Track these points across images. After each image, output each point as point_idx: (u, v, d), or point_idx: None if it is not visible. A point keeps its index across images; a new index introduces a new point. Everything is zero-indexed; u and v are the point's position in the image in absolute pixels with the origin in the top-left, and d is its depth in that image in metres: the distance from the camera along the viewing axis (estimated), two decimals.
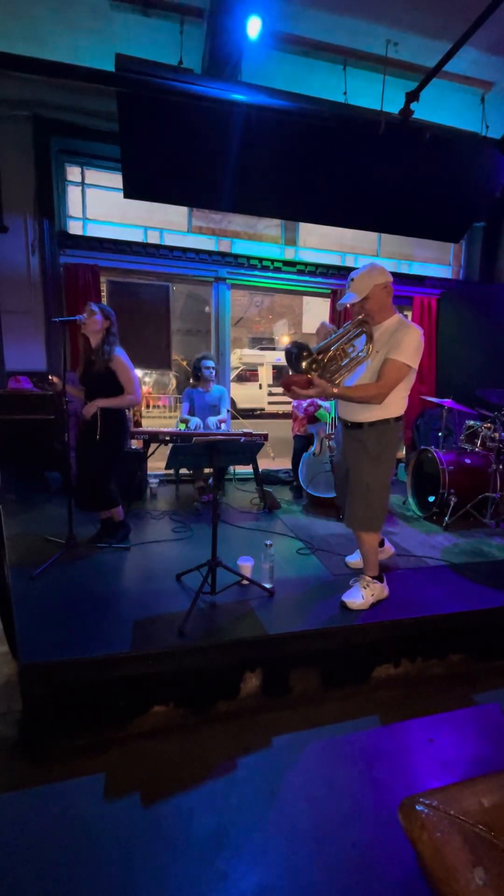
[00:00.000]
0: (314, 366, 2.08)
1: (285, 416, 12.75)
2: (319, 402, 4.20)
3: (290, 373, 2.16)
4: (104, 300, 4.72)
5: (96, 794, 1.62)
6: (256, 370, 14.64)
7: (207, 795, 1.63)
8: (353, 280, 2.20)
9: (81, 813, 1.55)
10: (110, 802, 1.60)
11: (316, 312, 15.17)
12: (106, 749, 1.81)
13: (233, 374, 12.67)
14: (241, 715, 2.02)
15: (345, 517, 2.45)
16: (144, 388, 14.09)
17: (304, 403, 4.30)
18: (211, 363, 4.23)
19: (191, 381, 4.41)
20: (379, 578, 2.47)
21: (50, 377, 2.84)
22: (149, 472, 4.37)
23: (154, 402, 13.79)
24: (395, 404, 2.23)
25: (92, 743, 1.84)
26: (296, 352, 2.06)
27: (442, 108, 3.89)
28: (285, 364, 2.23)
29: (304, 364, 2.06)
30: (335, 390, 2.11)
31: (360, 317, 2.21)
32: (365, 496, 2.29)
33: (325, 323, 2.55)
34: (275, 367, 14.88)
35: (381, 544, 2.78)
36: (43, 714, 1.85)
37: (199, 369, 4.23)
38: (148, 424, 5.59)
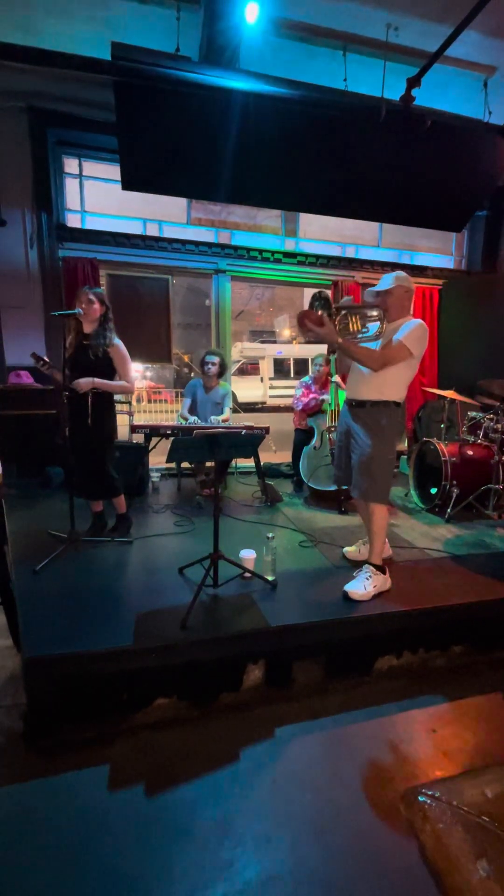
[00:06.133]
0: (332, 318, 2.30)
1: (287, 409, 12.70)
2: (321, 396, 4.20)
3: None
4: None
5: (101, 786, 1.63)
6: (258, 363, 14.58)
7: (211, 786, 1.64)
8: (382, 277, 2.49)
9: (86, 804, 1.57)
10: (115, 793, 1.61)
11: None
12: (110, 741, 1.83)
13: (233, 368, 12.62)
14: (243, 707, 2.03)
15: (352, 490, 2.58)
16: (146, 382, 14.05)
17: (306, 399, 4.29)
18: (215, 358, 4.17)
19: (201, 372, 4.36)
20: (382, 570, 2.47)
21: (43, 359, 2.78)
22: (150, 467, 4.37)
23: (155, 396, 13.74)
24: (395, 388, 2.41)
25: (96, 735, 1.85)
26: (318, 301, 2.32)
27: (444, 94, 3.83)
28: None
29: (321, 311, 2.28)
30: (340, 340, 2.30)
31: (381, 307, 2.43)
32: (368, 467, 2.41)
33: (368, 291, 2.83)
34: (276, 361, 14.82)
35: None
36: (47, 707, 1.86)
37: (204, 364, 4.20)
38: (149, 419, 5.58)
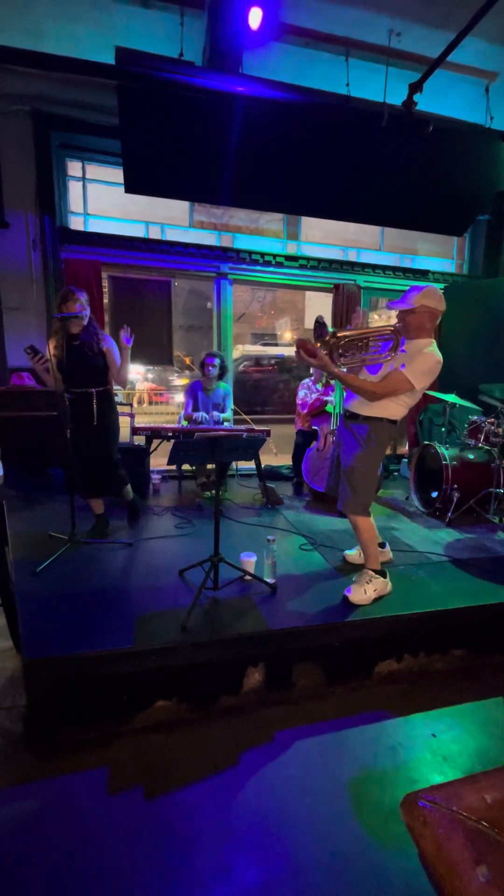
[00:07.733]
0: (328, 345, 2.21)
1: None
2: (325, 397, 4.21)
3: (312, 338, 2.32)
4: (105, 296, 4.71)
5: (100, 788, 1.63)
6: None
7: (210, 789, 1.64)
8: (408, 291, 2.31)
9: (85, 806, 1.57)
10: (114, 796, 1.61)
11: (318, 307, 15.10)
12: (110, 743, 1.83)
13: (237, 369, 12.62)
14: (243, 710, 2.03)
15: (338, 500, 2.55)
16: (147, 384, 14.06)
17: (310, 399, 4.30)
18: (215, 360, 4.17)
19: (201, 374, 4.37)
20: (382, 573, 2.47)
21: (41, 353, 2.78)
22: (151, 469, 4.37)
23: (157, 398, 13.75)
24: (393, 410, 2.34)
25: (96, 737, 1.85)
26: (318, 329, 2.22)
27: (445, 99, 3.85)
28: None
29: (322, 339, 2.21)
30: (335, 369, 2.21)
31: (398, 325, 2.31)
32: (350, 478, 2.40)
33: (388, 305, 2.64)
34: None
35: (382, 546, 2.81)
36: (47, 708, 1.86)
37: (204, 366, 4.22)
38: (150, 421, 5.58)
